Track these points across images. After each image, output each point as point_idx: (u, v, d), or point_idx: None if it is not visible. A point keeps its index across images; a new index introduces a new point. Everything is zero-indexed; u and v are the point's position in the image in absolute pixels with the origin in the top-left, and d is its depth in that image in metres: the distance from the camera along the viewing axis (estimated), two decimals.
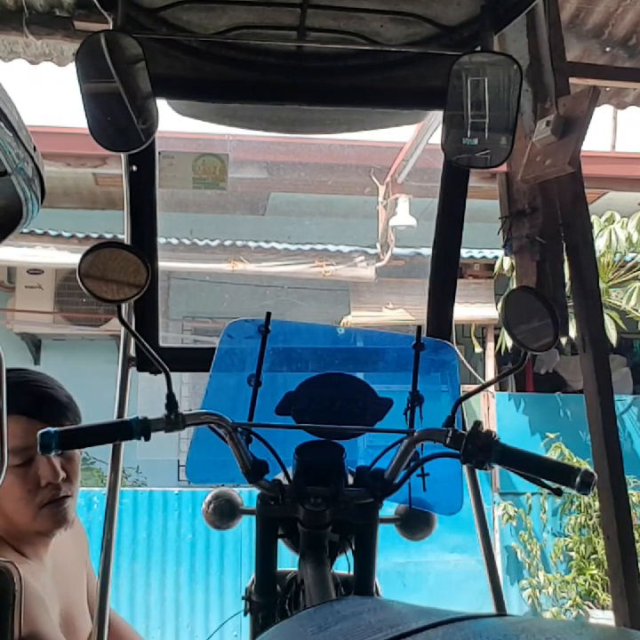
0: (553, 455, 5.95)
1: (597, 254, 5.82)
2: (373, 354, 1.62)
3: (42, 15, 3.32)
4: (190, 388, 5.09)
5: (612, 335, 5.97)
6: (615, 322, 6.07)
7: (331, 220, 7.38)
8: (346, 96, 1.77)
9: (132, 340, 1.78)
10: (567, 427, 6.40)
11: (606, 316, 5.86)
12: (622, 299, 6.25)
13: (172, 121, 1.86)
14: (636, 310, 6.23)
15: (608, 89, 3.89)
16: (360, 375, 1.46)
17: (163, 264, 2.25)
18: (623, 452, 2.56)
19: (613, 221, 6.12)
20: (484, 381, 6.22)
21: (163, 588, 5.66)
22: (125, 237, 1.79)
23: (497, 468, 1.23)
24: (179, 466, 7.27)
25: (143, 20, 1.59)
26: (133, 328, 1.60)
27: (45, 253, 6.59)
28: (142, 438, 1.21)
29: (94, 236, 6.51)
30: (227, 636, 5.27)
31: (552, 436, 6.17)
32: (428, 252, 2.01)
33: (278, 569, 1.37)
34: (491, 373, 6.94)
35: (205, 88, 1.74)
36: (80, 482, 1.51)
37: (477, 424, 1.19)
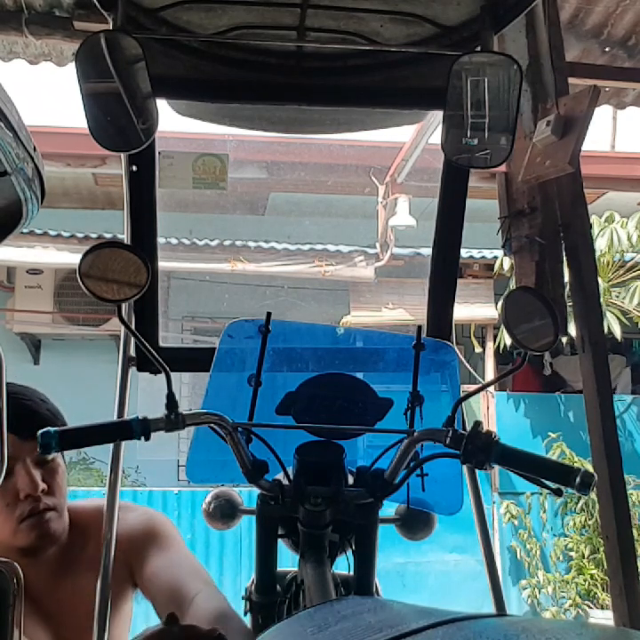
0: (554, 455, 5.96)
1: (598, 254, 5.83)
2: (373, 354, 1.62)
3: (41, 15, 3.31)
4: (190, 388, 5.09)
5: (617, 332, 5.97)
6: (619, 319, 6.06)
7: (330, 220, 7.38)
8: (346, 96, 1.77)
9: (132, 340, 1.78)
10: (567, 427, 6.40)
11: (609, 314, 5.86)
12: (624, 298, 6.25)
13: (172, 121, 1.86)
14: (638, 311, 6.23)
15: (607, 89, 3.89)
16: (360, 375, 1.46)
17: (163, 264, 2.25)
18: (622, 452, 2.57)
19: (613, 221, 6.12)
20: (483, 381, 6.22)
21: None
22: (125, 237, 1.79)
23: (497, 467, 1.23)
24: (178, 466, 7.27)
25: (143, 20, 1.59)
26: (133, 328, 1.60)
27: (45, 253, 6.59)
28: (142, 438, 1.21)
29: (94, 236, 6.51)
30: None
31: (554, 435, 6.17)
32: (427, 251, 2.01)
33: (278, 569, 1.37)
34: (490, 373, 6.94)
35: (205, 88, 1.74)
36: (67, 495, 1.47)
37: (477, 424, 1.19)
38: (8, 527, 1.37)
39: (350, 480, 1.30)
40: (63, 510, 1.45)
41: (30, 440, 1.27)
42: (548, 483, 1.20)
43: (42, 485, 1.38)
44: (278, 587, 1.38)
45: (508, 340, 5.88)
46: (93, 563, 1.50)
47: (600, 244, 5.92)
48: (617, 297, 6.28)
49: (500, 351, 6.49)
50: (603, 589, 5.85)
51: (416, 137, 5.79)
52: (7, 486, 1.36)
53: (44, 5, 3.29)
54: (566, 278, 2.75)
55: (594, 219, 5.87)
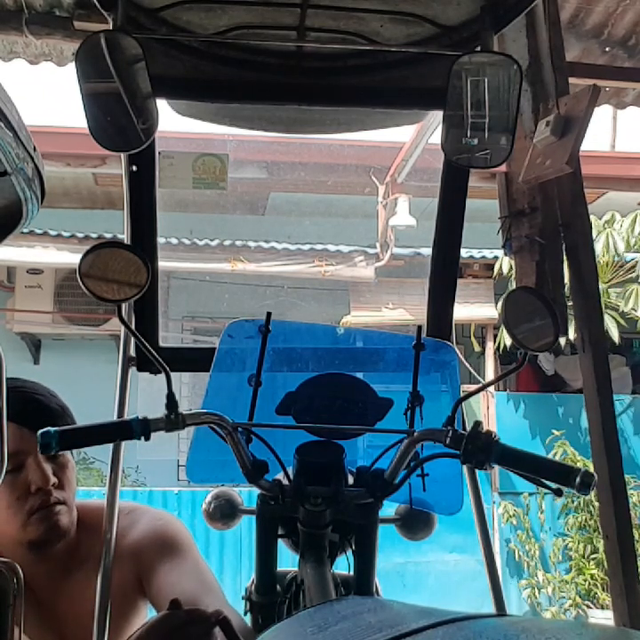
0: (557, 453, 5.96)
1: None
2: (373, 354, 1.62)
3: (41, 15, 3.31)
4: (190, 388, 5.09)
5: (614, 334, 5.97)
6: (617, 321, 6.07)
7: (330, 220, 7.38)
8: (346, 96, 1.77)
9: (132, 340, 1.78)
10: (567, 427, 6.41)
11: (607, 316, 5.86)
12: (621, 300, 6.25)
13: (172, 121, 1.86)
14: (635, 310, 6.23)
15: (608, 89, 3.88)
16: (360, 375, 1.46)
17: (163, 264, 2.25)
18: (622, 452, 2.57)
19: (614, 222, 6.12)
20: (483, 381, 6.23)
21: None
22: (125, 237, 1.79)
23: (497, 467, 1.23)
24: (178, 466, 7.27)
25: (143, 20, 1.59)
26: (133, 328, 1.60)
27: (45, 253, 6.59)
28: (142, 438, 1.21)
29: (94, 236, 6.51)
30: None
31: (558, 433, 6.16)
32: (427, 251, 2.01)
33: (278, 569, 1.37)
34: (491, 373, 6.94)
35: (205, 88, 1.74)
36: (76, 491, 1.46)
37: (477, 424, 1.19)
38: (18, 520, 1.37)
39: (350, 480, 1.30)
40: (72, 505, 1.45)
41: None
42: (548, 483, 1.20)
43: (53, 479, 1.38)
44: (278, 587, 1.38)
45: (508, 341, 5.89)
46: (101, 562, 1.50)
47: (596, 249, 5.93)
48: (617, 297, 6.28)
49: (500, 352, 6.49)
50: (603, 589, 5.85)
51: (416, 137, 5.79)
52: (18, 479, 1.36)
53: (44, 5, 3.29)
54: (566, 278, 2.75)
55: (592, 220, 5.87)
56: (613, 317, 6.06)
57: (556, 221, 2.70)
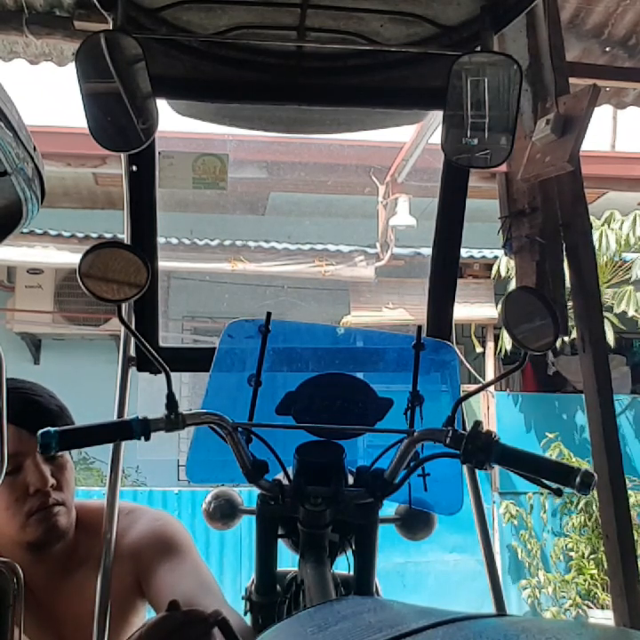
0: (552, 455, 5.96)
1: None
2: (373, 354, 1.62)
3: (42, 15, 3.32)
4: (190, 388, 5.09)
5: (609, 337, 5.97)
6: (612, 323, 6.06)
7: (330, 220, 7.38)
8: (346, 96, 1.77)
9: (132, 340, 1.78)
10: (567, 427, 6.41)
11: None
12: (615, 300, 6.25)
13: (172, 121, 1.86)
14: (626, 312, 6.22)
15: (608, 89, 3.88)
16: (360, 375, 1.46)
17: (163, 264, 2.25)
18: (622, 452, 2.57)
19: (613, 220, 6.12)
20: (484, 381, 6.22)
21: None
22: (125, 237, 1.79)
23: (497, 467, 1.23)
24: (178, 466, 7.27)
25: (143, 20, 1.58)
26: (133, 328, 1.60)
27: (45, 253, 6.59)
28: (142, 438, 1.21)
29: (94, 235, 6.52)
30: None
31: (551, 435, 6.17)
32: (427, 251, 2.01)
33: (278, 569, 1.37)
34: (491, 373, 6.94)
35: (205, 88, 1.74)
36: (75, 491, 1.46)
37: (477, 424, 1.19)
38: (17, 522, 1.38)
39: (350, 480, 1.30)
40: (71, 506, 1.45)
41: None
42: (548, 483, 1.20)
43: (51, 480, 1.39)
44: (278, 587, 1.38)
45: (508, 345, 5.89)
46: (100, 563, 1.50)
47: None
48: (612, 299, 6.28)
49: (502, 357, 6.49)
50: (603, 589, 5.84)
51: (416, 137, 5.80)
52: (17, 481, 1.36)
53: (44, 5, 3.29)
54: (567, 278, 2.75)
55: (592, 220, 5.86)
56: (609, 319, 6.05)
57: (557, 221, 2.70)
